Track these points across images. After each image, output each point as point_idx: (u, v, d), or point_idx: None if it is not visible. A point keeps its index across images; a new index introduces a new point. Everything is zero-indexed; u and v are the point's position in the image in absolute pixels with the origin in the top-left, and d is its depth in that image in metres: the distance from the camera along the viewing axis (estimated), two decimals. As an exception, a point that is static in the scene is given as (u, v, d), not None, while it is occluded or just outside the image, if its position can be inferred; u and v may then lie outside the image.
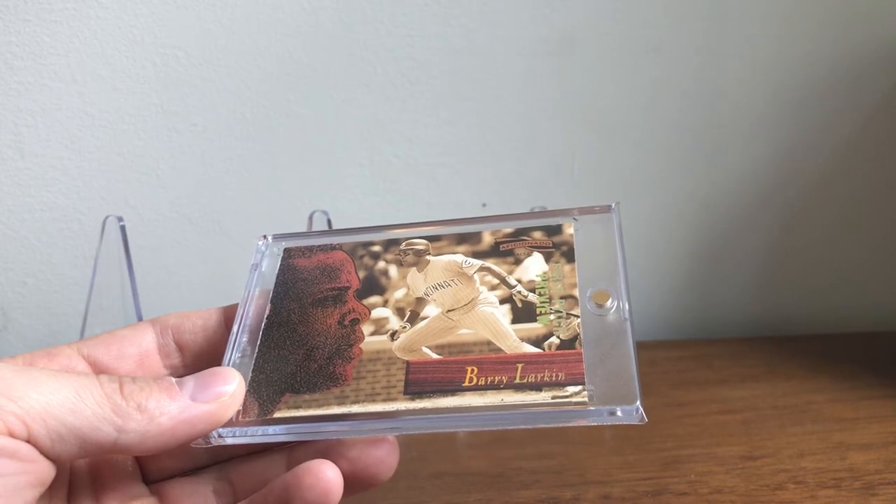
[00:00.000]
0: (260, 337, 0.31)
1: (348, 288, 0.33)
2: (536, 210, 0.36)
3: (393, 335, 0.31)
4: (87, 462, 0.29)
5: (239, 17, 0.57)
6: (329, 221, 0.51)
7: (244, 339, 0.31)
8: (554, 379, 0.27)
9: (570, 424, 0.26)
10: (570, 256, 0.31)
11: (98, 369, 0.30)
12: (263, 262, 0.34)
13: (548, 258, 0.32)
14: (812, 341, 0.62)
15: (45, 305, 0.61)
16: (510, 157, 0.62)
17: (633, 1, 0.59)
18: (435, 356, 0.29)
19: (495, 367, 0.28)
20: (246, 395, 0.29)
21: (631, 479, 0.42)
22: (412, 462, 0.44)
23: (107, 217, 0.49)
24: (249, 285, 0.33)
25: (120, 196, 0.60)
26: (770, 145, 0.63)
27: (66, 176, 0.59)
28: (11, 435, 0.23)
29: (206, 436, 0.27)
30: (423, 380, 0.29)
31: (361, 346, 0.30)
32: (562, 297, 0.30)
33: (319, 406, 0.29)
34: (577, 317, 0.29)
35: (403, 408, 0.28)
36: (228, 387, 0.27)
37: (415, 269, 0.33)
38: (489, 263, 0.32)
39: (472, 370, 0.28)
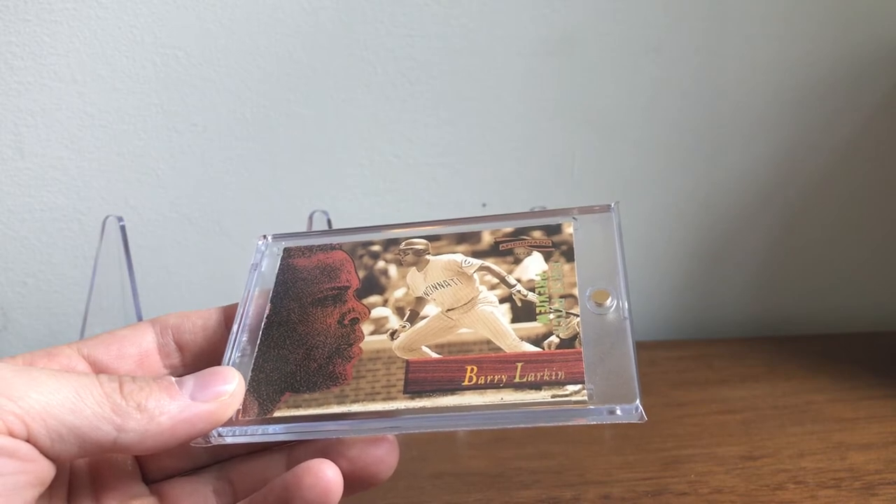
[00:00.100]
0: (260, 336, 0.31)
1: (348, 287, 0.33)
2: (536, 210, 0.36)
3: (393, 334, 0.31)
4: (87, 461, 0.29)
5: (239, 17, 0.57)
6: (329, 221, 0.51)
7: (244, 339, 0.31)
8: (553, 378, 0.27)
9: (570, 423, 0.26)
10: (569, 256, 0.31)
11: (98, 369, 0.30)
12: (263, 261, 0.34)
13: (547, 257, 0.32)
14: (812, 341, 0.62)
15: (45, 305, 0.61)
16: (510, 157, 0.62)
17: (633, 1, 0.59)
18: (435, 355, 0.29)
19: (495, 367, 0.28)
20: (246, 395, 0.29)
21: (631, 479, 0.42)
22: (412, 462, 0.44)
23: (107, 217, 0.49)
24: (249, 285, 0.33)
25: (120, 196, 0.60)
26: (770, 145, 0.63)
27: (66, 176, 0.59)
28: (11, 434, 0.23)
29: (205, 435, 0.27)
30: (422, 379, 0.29)
31: (361, 345, 0.30)
32: (561, 297, 0.30)
33: (319, 405, 0.29)
34: (577, 316, 0.29)
35: (403, 407, 0.28)
36: (228, 386, 0.27)
37: (414, 268, 0.33)
38: (489, 263, 0.32)
39: (472, 369, 0.28)
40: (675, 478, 0.42)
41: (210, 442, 0.28)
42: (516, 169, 0.62)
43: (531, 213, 0.34)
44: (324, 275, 0.33)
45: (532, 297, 0.30)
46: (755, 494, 0.40)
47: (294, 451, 0.30)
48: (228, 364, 0.30)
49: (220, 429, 0.28)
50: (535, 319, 0.30)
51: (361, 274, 0.33)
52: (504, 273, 0.32)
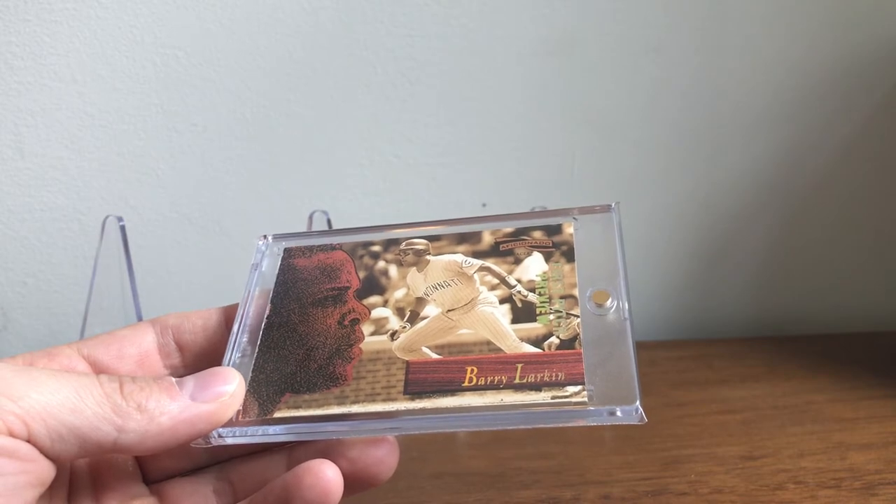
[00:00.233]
0: (260, 337, 0.31)
1: (348, 288, 0.33)
2: (536, 210, 0.36)
3: (393, 335, 0.31)
4: (88, 462, 0.29)
5: (239, 17, 0.57)
6: (329, 221, 0.51)
7: (244, 339, 0.31)
8: (554, 379, 0.27)
9: (570, 424, 0.26)
10: (569, 256, 0.31)
11: (98, 369, 0.30)
12: (263, 262, 0.34)
13: (548, 258, 0.32)
14: (812, 341, 0.62)
15: (45, 305, 0.61)
16: (510, 157, 0.62)
17: (633, 1, 0.59)
18: (435, 356, 0.29)
19: (495, 367, 0.28)
20: (246, 395, 0.29)
21: (631, 479, 0.42)
22: (412, 462, 0.44)
23: (107, 217, 0.49)
24: (249, 285, 0.33)
25: (120, 196, 0.60)
26: (770, 145, 0.63)
27: (66, 176, 0.59)
28: (11, 434, 0.23)
29: (206, 436, 0.27)
30: (422, 380, 0.29)
31: (361, 346, 0.30)
32: (561, 297, 0.30)
33: (319, 406, 0.29)
34: (577, 317, 0.29)
35: (403, 408, 0.28)
36: (228, 387, 0.27)
37: (415, 268, 0.33)
38: (489, 263, 0.32)
39: (472, 370, 0.28)
40: (675, 478, 0.42)
41: (210, 442, 0.28)
42: (516, 169, 0.62)
43: (531, 214, 0.34)
44: (324, 275, 0.33)
45: (532, 297, 0.30)
46: (755, 494, 0.40)
47: (294, 452, 0.30)
48: (229, 364, 0.30)
49: (221, 429, 0.28)
50: (535, 320, 0.30)
51: (362, 274, 0.33)
52: (504, 273, 0.32)
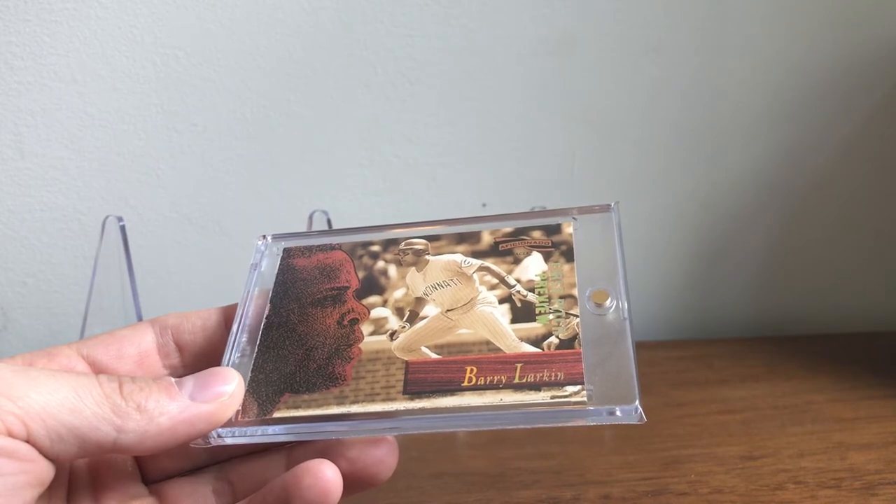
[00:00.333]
0: (259, 337, 0.31)
1: (347, 288, 0.33)
2: (536, 210, 0.36)
3: (392, 335, 0.31)
4: (87, 462, 0.29)
5: (239, 17, 0.57)
6: (329, 221, 0.51)
7: (243, 339, 0.31)
8: (553, 379, 0.27)
9: (569, 424, 0.26)
10: (569, 256, 0.31)
11: (97, 369, 0.30)
12: (263, 261, 0.34)
13: (547, 258, 0.32)
14: (812, 341, 0.62)
15: (45, 305, 0.61)
16: (510, 157, 0.62)
17: (633, 1, 0.59)
18: (434, 356, 0.29)
19: (494, 367, 0.28)
20: (245, 395, 0.29)
21: (631, 479, 0.42)
22: (412, 462, 0.44)
23: (107, 217, 0.49)
24: (249, 285, 0.33)
25: (120, 196, 0.60)
26: (770, 145, 0.63)
27: (66, 176, 0.59)
28: (11, 435, 0.23)
29: (205, 436, 0.27)
30: (422, 380, 0.29)
31: (360, 345, 0.30)
32: (561, 297, 0.30)
33: (319, 406, 0.29)
34: (577, 316, 0.29)
35: (403, 408, 0.28)
36: (228, 387, 0.27)
37: (414, 268, 0.33)
38: (488, 263, 0.32)
39: (472, 370, 0.28)
40: (675, 478, 0.42)
41: (210, 443, 0.28)
42: (516, 169, 0.62)
43: (531, 213, 0.34)
44: (323, 275, 0.33)
45: (532, 297, 0.30)
46: (755, 494, 0.40)
47: (293, 452, 0.30)
48: (228, 364, 0.30)
49: (220, 429, 0.28)
50: (534, 320, 0.30)
51: (361, 274, 0.33)
52: (504, 273, 0.32)
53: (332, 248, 0.34)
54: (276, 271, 0.34)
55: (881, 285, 0.67)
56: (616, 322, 0.29)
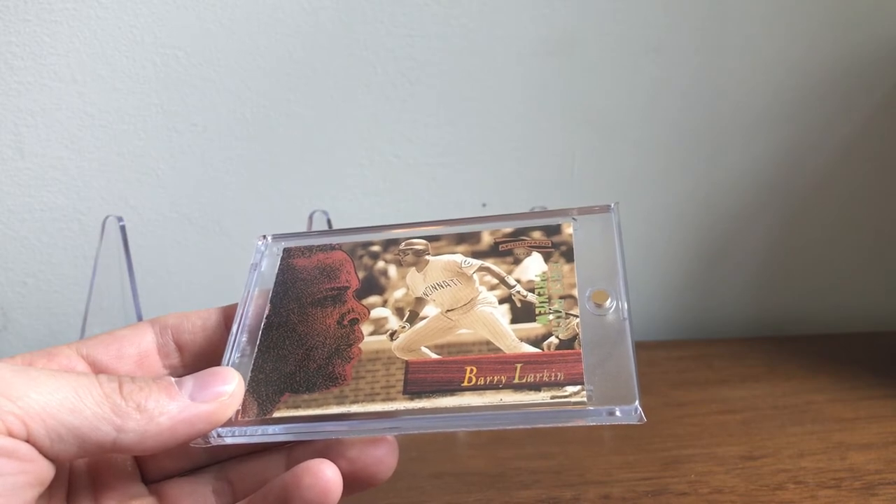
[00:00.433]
0: (259, 337, 0.31)
1: (347, 288, 0.33)
2: (536, 210, 0.36)
3: (392, 335, 0.31)
4: (87, 462, 0.29)
5: (239, 17, 0.57)
6: (329, 221, 0.51)
7: (243, 339, 0.31)
8: (553, 379, 0.27)
9: (569, 424, 0.26)
10: (569, 256, 0.31)
11: (97, 369, 0.30)
12: (263, 261, 0.34)
13: (547, 258, 0.32)
14: (812, 341, 0.62)
15: (45, 305, 0.61)
16: (510, 157, 0.62)
17: (633, 1, 0.59)
18: (434, 356, 0.29)
19: (494, 367, 0.28)
20: (245, 395, 0.29)
21: (631, 479, 0.42)
22: (412, 462, 0.44)
23: (107, 217, 0.49)
24: (249, 285, 0.33)
25: (120, 196, 0.60)
26: (770, 145, 0.63)
27: (66, 176, 0.59)
28: (11, 434, 0.23)
29: (205, 435, 0.27)
30: (422, 380, 0.29)
31: (360, 345, 0.30)
32: (561, 297, 0.30)
33: (318, 406, 0.29)
34: (577, 317, 0.29)
35: (402, 408, 0.28)
36: (227, 386, 0.27)
37: (414, 268, 0.33)
38: (488, 263, 0.32)
39: (472, 370, 0.28)
40: (675, 478, 0.42)
41: (209, 442, 0.28)
42: (516, 169, 0.62)
43: (531, 214, 0.34)
44: (323, 275, 0.33)
45: (531, 297, 0.30)
46: (755, 494, 0.40)
47: (293, 452, 0.30)
48: (228, 364, 0.30)
49: (220, 429, 0.28)
50: (534, 320, 0.30)
51: (361, 274, 0.33)
52: (504, 274, 0.32)
53: (332, 248, 0.34)
54: (276, 271, 0.34)
55: (881, 285, 0.67)
56: (616, 322, 0.29)
